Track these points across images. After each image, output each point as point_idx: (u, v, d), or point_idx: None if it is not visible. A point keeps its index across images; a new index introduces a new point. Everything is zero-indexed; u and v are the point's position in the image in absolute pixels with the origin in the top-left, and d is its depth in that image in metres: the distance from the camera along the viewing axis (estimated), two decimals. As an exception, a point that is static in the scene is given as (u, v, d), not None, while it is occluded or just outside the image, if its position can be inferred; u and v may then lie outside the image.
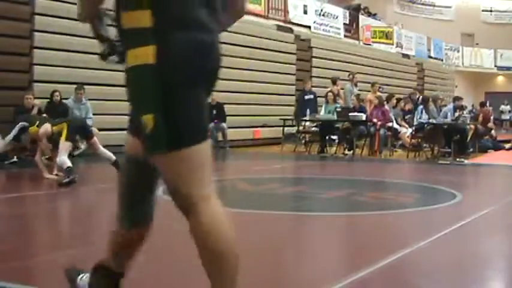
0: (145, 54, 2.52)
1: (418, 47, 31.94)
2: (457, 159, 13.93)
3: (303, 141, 16.65)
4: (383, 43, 28.58)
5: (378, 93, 17.13)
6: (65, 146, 8.88)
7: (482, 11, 39.58)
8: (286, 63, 20.79)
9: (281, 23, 21.68)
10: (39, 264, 4.64)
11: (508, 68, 38.23)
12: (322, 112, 16.60)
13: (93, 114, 13.84)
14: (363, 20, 27.92)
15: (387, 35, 29.08)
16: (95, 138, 9.52)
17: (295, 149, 16.21)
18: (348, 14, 26.40)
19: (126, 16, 2.65)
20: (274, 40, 20.46)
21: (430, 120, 15.15)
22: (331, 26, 24.61)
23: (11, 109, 12.67)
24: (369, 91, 18.21)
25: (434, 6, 38.58)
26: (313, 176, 11.76)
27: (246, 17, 18.35)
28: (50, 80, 13.65)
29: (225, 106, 16.91)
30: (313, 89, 20.20)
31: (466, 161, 13.88)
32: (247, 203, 7.77)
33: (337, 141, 15.77)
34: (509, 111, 36.55)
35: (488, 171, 13.19)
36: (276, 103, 19.90)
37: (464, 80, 37.29)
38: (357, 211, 7.45)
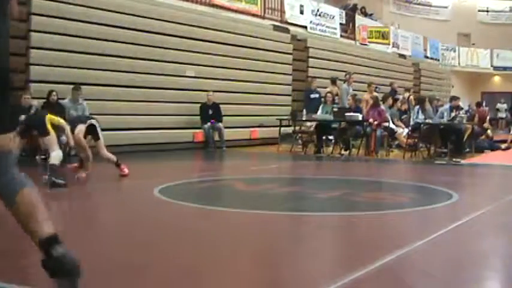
0: None
1: (414, 47, 31.94)
2: (454, 159, 13.93)
3: (300, 141, 16.65)
4: (379, 43, 28.58)
5: (374, 94, 17.16)
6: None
7: (479, 11, 39.57)
8: (282, 63, 20.80)
9: (277, 23, 21.67)
10: (35, 263, 4.63)
11: (504, 68, 38.23)
12: (319, 112, 16.61)
13: (90, 114, 13.82)
14: (359, 20, 27.91)
15: (383, 35, 29.08)
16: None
17: (292, 149, 16.21)
18: (344, 14, 26.41)
19: None
20: (270, 40, 20.47)
21: (427, 120, 15.17)
22: (327, 26, 24.60)
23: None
24: (366, 91, 18.24)
25: (430, 6, 38.57)
26: (309, 176, 11.78)
27: (242, 17, 18.51)
28: (47, 80, 13.65)
29: (221, 106, 16.92)
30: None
31: (462, 161, 13.88)
32: (244, 203, 7.78)
33: (333, 141, 15.77)
34: (506, 110, 36.53)
35: (484, 171, 13.19)
36: (273, 103, 19.91)
37: (460, 80, 37.31)
38: (353, 211, 7.46)
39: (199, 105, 16.72)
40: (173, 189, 8.69)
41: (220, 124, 16.65)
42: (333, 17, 25.17)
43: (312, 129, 16.27)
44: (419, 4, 38.15)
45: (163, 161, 13.49)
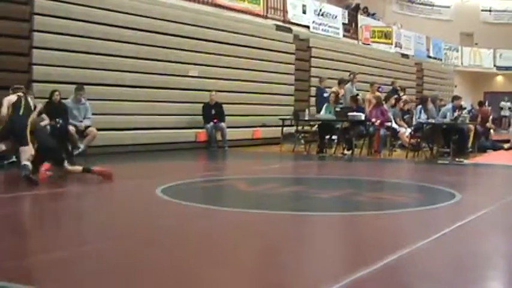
0: None
1: (417, 46, 31.91)
2: (456, 159, 13.91)
3: (302, 141, 16.63)
4: (382, 43, 28.55)
5: (377, 93, 17.14)
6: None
7: (482, 10, 39.51)
8: (285, 63, 20.79)
9: (280, 23, 21.66)
10: (36, 264, 4.64)
11: (507, 68, 38.20)
12: (322, 112, 16.59)
13: (93, 114, 13.84)
14: (362, 19, 27.90)
15: (386, 35, 29.05)
16: None
17: (294, 149, 16.20)
18: (346, 14, 26.39)
19: None
20: (273, 40, 20.46)
21: (429, 120, 15.14)
22: (330, 26, 24.58)
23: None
24: (368, 91, 18.22)
25: (433, 6, 38.53)
26: (311, 176, 11.77)
27: (245, 17, 18.49)
28: (49, 80, 13.66)
29: (224, 106, 16.92)
30: (312, 89, 20.35)
31: (465, 161, 13.87)
32: (246, 203, 7.79)
33: (336, 141, 15.75)
34: (510, 108, 36.42)
35: (487, 171, 13.18)
36: (275, 103, 19.90)
37: (463, 80, 37.28)
38: (355, 211, 7.47)
39: (202, 105, 16.72)
40: (175, 188, 8.70)
41: (222, 124, 16.64)
42: (336, 17, 25.15)
43: (314, 128, 16.27)
44: (422, 4, 38.12)
45: (166, 161, 13.50)
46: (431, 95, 19.98)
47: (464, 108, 18.31)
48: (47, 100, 13.05)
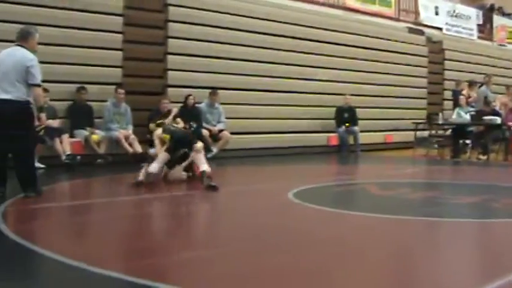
0: None
1: (556, 47, 30.64)
2: None
3: (436, 145, 16.36)
4: (518, 44, 27.62)
5: (514, 96, 16.63)
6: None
7: None
8: (417, 66, 20.57)
9: (412, 25, 21.43)
10: (176, 262, 4.86)
11: None
12: (454, 116, 16.29)
13: (226, 118, 14.21)
14: (497, 20, 27.07)
15: (523, 36, 28.08)
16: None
17: (428, 154, 15.97)
18: (481, 15, 25.70)
19: None
20: (405, 43, 20.28)
21: None
22: (463, 27, 24.05)
23: (147, 113, 13.24)
24: (503, 93, 17.69)
25: None
26: (445, 181, 11.59)
27: (376, 20, 18.43)
28: (183, 84, 14.14)
29: (356, 110, 16.94)
30: (446, 92, 19.99)
31: None
32: (378, 208, 7.78)
33: (470, 145, 15.41)
34: None
35: None
36: (408, 106, 19.71)
37: None
38: (491, 218, 7.32)
39: (334, 108, 16.80)
40: (307, 192, 8.81)
41: (355, 128, 16.67)
42: (470, 18, 24.56)
43: (448, 132, 16.00)
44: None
45: (297, 165, 13.64)
46: None
47: None
48: (181, 104, 13.54)
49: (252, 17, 15.94)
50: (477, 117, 15.12)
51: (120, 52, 13.39)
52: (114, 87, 12.88)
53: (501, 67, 24.16)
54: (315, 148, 16.27)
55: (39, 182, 8.06)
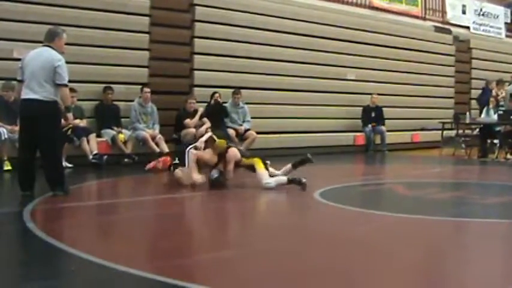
0: None
1: None
2: None
3: (463, 145, 16.25)
4: (548, 42, 27.29)
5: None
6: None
7: None
8: (444, 65, 20.43)
9: (439, 24, 21.30)
10: (203, 262, 4.88)
11: None
12: (483, 115, 16.17)
13: (252, 118, 14.22)
14: (526, 18, 26.80)
15: (552, 34, 27.75)
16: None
17: (455, 153, 15.86)
18: (509, 13, 25.43)
19: None
20: (431, 42, 20.16)
21: None
22: (491, 26, 23.83)
23: (173, 113, 13.30)
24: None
25: None
26: (473, 181, 11.51)
27: (403, 19, 18.33)
28: (209, 84, 14.17)
29: (383, 109, 16.88)
30: (473, 91, 19.85)
31: None
32: (405, 208, 7.76)
33: (498, 145, 15.28)
34: None
35: None
36: (435, 106, 19.60)
37: None
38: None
39: (361, 108, 16.76)
40: (334, 192, 8.81)
41: (382, 127, 16.62)
42: (497, 16, 24.34)
43: (476, 132, 15.87)
44: None
45: (324, 164, 13.59)
46: None
47: None
48: (206, 104, 13.59)
49: (279, 17, 15.95)
50: (505, 116, 14.97)
51: (146, 52, 13.46)
52: (140, 87, 12.94)
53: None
54: (342, 147, 16.23)
55: (67, 181, 8.14)
